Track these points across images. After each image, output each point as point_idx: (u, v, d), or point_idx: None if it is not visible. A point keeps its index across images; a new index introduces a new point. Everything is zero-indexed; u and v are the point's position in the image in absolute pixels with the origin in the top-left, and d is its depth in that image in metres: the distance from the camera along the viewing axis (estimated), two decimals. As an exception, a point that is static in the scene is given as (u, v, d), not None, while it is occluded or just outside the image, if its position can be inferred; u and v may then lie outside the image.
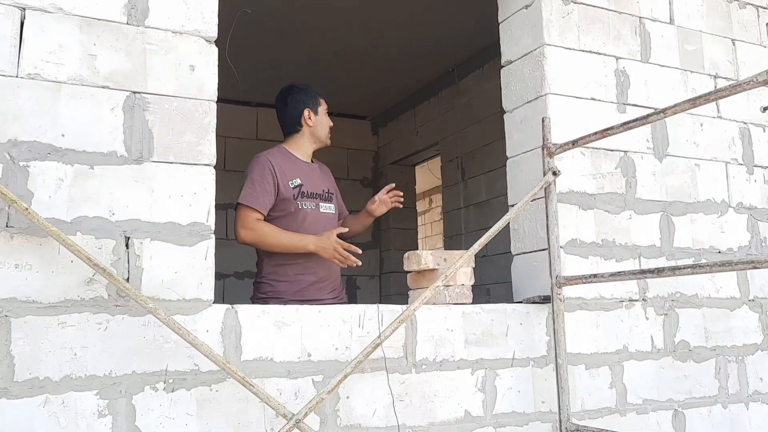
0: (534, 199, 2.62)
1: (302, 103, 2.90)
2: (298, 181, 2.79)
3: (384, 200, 3.01)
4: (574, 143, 2.51)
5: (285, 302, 2.61)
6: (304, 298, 2.70)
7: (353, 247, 2.62)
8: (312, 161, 2.98)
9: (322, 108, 2.93)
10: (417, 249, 5.22)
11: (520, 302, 2.68)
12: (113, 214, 1.97)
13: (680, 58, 3.10)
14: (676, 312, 2.87)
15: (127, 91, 2.04)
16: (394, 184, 3.06)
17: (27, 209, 1.78)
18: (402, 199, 3.05)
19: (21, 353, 1.82)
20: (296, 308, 2.22)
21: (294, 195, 2.77)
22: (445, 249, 5.86)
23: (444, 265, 2.49)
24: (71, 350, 1.87)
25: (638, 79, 2.96)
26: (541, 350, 2.58)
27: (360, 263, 2.65)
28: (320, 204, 2.85)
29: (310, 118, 2.89)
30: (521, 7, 2.88)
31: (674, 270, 2.13)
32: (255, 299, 2.82)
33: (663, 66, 3.04)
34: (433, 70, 5.85)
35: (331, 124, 2.96)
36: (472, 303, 2.54)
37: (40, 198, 1.89)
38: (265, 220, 2.73)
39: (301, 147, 2.91)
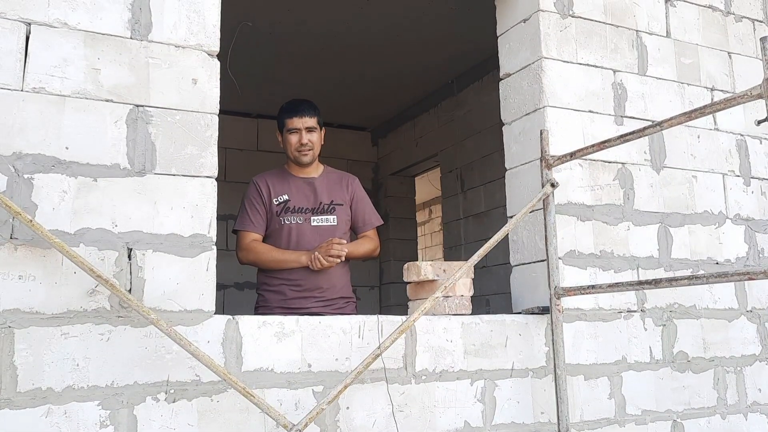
0: (532, 211, 2.64)
1: (277, 126, 3.01)
2: (285, 197, 2.88)
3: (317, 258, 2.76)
4: (572, 155, 2.54)
5: (271, 310, 2.75)
6: (289, 306, 2.76)
7: (333, 243, 2.71)
8: (319, 174, 3.00)
9: (287, 128, 2.92)
10: (416, 260, 5.24)
11: (519, 313, 2.70)
12: (116, 225, 1.99)
13: (677, 71, 3.13)
14: (675, 323, 2.88)
15: (130, 104, 2.06)
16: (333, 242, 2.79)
17: (31, 221, 1.80)
18: (339, 254, 2.74)
19: (24, 364, 1.83)
20: (296, 319, 2.23)
21: (277, 211, 2.87)
22: (444, 260, 5.88)
23: (443, 276, 2.51)
24: (74, 361, 1.89)
25: (635, 91, 2.99)
26: (540, 361, 2.59)
27: (342, 253, 2.72)
28: (311, 218, 2.88)
29: (280, 141, 3.00)
30: (519, 21, 2.92)
31: (672, 281, 2.15)
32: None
33: (660, 79, 3.07)
34: (433, 82, 5.89)
35: (301, 141, 2.88)
36: (471, 314, 2.56)
37: (44, 210, 1.91)
38: (265, 237, 2.88)
39: (292, 164, 3.00)
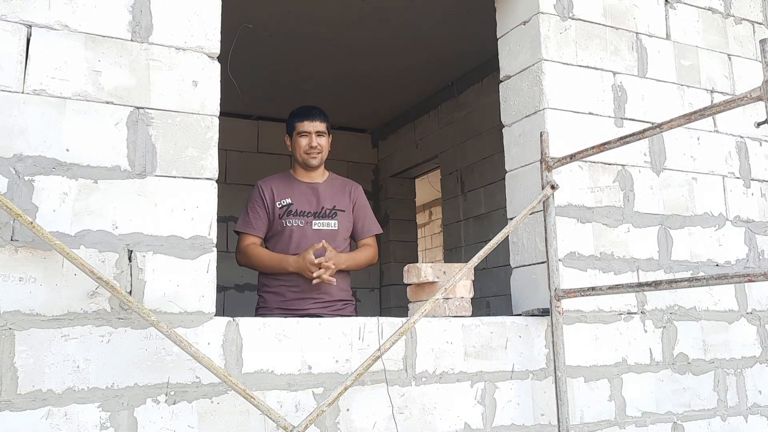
0: (533, 213, 2.64)
1: (286, 130, 3.06)
2: (288, 201, 2.93)
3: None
4: (572, 157, 2.54)
5: (271, 311, 2.79)
6: (287, 308, 2.79)
7: (324, 264, 2.71)
8: (323, 180, 3.04)
9: (297, 131, 2.97)
10: (417, 262, 5.24)
11: (520, 315, 2.70)
12: (116, 227, 1.99)
13: (677, 73, 3.13)
14: (675, 325, 2.88)
15: (130, 106, 2.07)
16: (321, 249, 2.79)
17: (32, 223, 1.80)
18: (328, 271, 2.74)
19: (24, 366, 1.83)
20: (297, 321, 2.23)
21: (280, 214, 2.90)
22: (444, 262, 5.88)
23: (443, 278, 2.51)
24: (74, 363, 1.89)
25: (635, 93, 2.99)
26: (540, 363, 2.59)
27: (333, 282, 2.75)
28: (313, 221, 2.91)
29: (289, 144, 3.05)
30: (519, 23, 2.92)
31: (672, 283, 2.15)
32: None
33: (660, 81, 3.07)
34: (433, 83, 5.89)
35: (311, 144, 2.93)
36: (471, 316, 2.56)
37: (44, 212, 1.91)
38: (264, 239, 2.93)
39: (298, 168, 3.05)
